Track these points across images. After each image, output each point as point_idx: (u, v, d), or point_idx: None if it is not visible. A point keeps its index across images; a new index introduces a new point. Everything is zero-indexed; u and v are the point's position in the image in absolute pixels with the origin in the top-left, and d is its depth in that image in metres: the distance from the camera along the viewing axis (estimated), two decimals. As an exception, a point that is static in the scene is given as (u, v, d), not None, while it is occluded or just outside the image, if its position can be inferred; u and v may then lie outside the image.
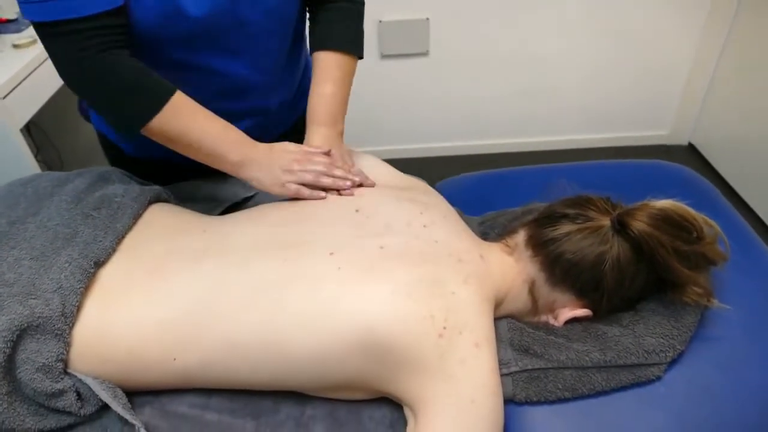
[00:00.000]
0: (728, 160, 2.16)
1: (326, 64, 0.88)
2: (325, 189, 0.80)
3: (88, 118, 1.32)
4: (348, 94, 0.90)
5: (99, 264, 0.68)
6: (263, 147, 0.81)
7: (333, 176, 0.80)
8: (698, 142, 2.35)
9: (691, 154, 2.35)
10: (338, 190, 0.80)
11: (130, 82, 0.73)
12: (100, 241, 0.70)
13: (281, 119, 1.01)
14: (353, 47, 0.90)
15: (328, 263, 0.66)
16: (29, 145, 1.94)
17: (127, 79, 0.73)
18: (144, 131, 0.75)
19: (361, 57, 0.91)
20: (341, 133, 0.89)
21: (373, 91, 2.21)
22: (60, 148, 2.40)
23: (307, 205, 0.78)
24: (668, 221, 0.66)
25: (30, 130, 2.03)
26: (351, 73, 0.91)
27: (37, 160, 1.95)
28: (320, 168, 0.80)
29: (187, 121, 0.77)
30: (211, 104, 0.79)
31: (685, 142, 2.40)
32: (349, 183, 0.80)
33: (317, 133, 0.86)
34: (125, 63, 0.73)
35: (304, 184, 0.79)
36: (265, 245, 0.71)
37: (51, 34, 0.69)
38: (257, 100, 0.92)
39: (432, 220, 0.74)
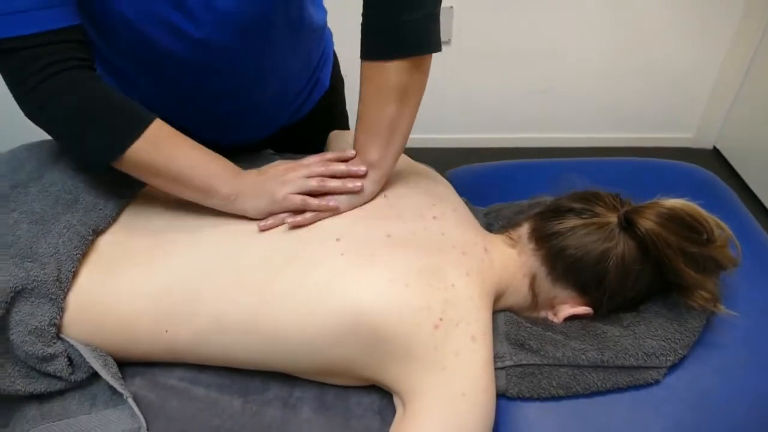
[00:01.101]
0: (754, 166, 2.10)
1: None
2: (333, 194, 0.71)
3: None
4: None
5: (98, 232, 0.68)
6: (252, 173, 0.72)
7: (337, 175, 0.71)
8: (723, 146, 2.29)
9: (715, 158, 2.29)
10: (346, 192, 0.71)
11: (101, 104, 0.63)
12: (101, 209, 0.70)
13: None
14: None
15: (332, 248, 0.65)
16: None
17: (96, 101, 0.62)
18: (117, 164, 0.64)
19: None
20: (374, 165, 0.73)
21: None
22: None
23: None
24: (677, 221, 0.64)
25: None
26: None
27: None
28: (320, 169, 0.71)
29: (170, 153, 0.66)
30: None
31: (710, 146, 2.34)
32: (359, 184, 0.70)
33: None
34: (93, 84, 0.63)
35: (308, 194, 0.70)
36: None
37: (4, 51, 0.58)
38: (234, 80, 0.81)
39: (443, 212, 0.73)
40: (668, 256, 0.64)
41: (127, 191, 0.73)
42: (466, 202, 0.83)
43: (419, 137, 2.38)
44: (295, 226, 0.69)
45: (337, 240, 0.66)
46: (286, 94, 0.91)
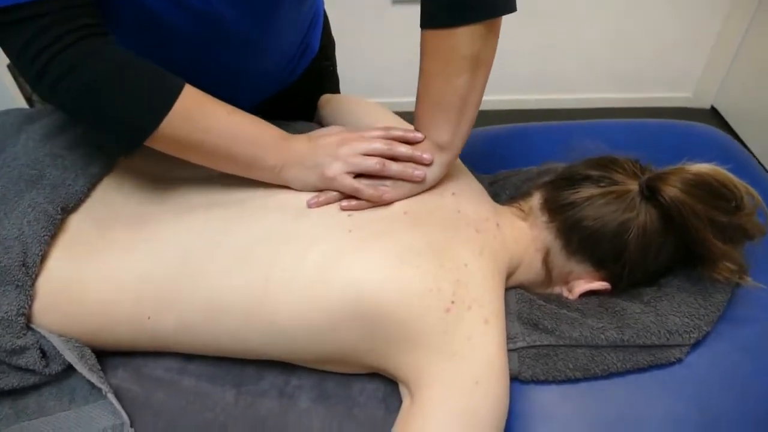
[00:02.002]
0: (751, 125, 2.07)
1: None
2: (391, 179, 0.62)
3: None
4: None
5: (68, 210, 0.62)
6: (301, 139, 0.63)
7: (399, 158, 0.62)
8: (721, 106, 2.25)
9: (713, 117, 2.25)
10: (407, 179, 0.62)
11: (124, 74, 0.54)
12: (69, 184, 0.63)
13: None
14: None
15: (341, 224, 0.59)
16: (23, 84, 1.86)
17: (118, 71, 0.54)
18: (150, 141, 0.56)
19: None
20: (443, 147, 0.64)
21: (383, 39, 2.09)
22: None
23: None
24: (705, 188, 0.58)
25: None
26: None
27: (32, 101, 1.87)
28: (381, 147, 0.62)
29: (208, 122, 0.58)
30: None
31: (707, 106, 2.29)
32: (421, 173, 0.62)
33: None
34: (112, 52, 0.54)
35: (362, 175, 0.62)
36: (263, 200, 0.64)
37: (7, 23, 0.50)
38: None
39: (461, 188, 0.67)
40: (695, 226, 0.58)
41: (99, 164, 0.66)
42: (470, 170, 0.77)
43: (408, 101, 2.30)
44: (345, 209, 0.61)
45: (349, 215, 0.61)
46: (280, 64, 0.84)
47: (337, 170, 0.61)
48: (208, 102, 0.59)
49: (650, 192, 0.61)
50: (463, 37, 0.57)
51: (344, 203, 0.62)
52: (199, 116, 0.58)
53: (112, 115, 0.55)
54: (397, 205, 0.63)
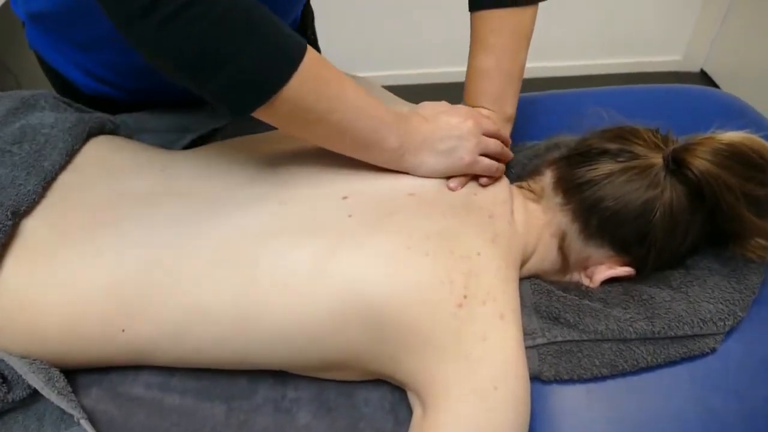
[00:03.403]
0: (741, 88, 2.03)
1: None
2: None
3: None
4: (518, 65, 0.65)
5: (19, 214, 0.53)
6: (414, 117, 0.57)
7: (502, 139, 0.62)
8: (711, 69, 2.20)
9: (702, 81, 2.20)
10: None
11: (254, 17, 0.44)
12: (20, 184, 0.54)
13: None
14: None
15: (337, 208, 0.53)
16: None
17: (248, 11, 0.44)
18: (268, 106, 0.47)
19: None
20: (510, 120, 0.67)
21: (369, 9, 1.99)
22: (17, 73, 2.18)
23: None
24: (739, 158, 0.53)
25: (-18, 55, 1.82)
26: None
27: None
28: (492, 128, 0.61)
29: (334, 91, 0.50)
30: None
31: (697, 69, 2.24)
32: (500, 173, 0.62)
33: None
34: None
35: (486, 155, 0.59)
36: (247, 186, 0.57)
37: None
38: None
39: None
40: (728, 202, 0.53)
41: (52, 158, 0.58)
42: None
43: (396, 74, 2.22)
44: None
45: (344, 198, 0.54)
46: None
47: (472, 153, 0.57)
48: (330, 68, 0.51)
49: (676, 165, 0.55)
50: (529, 16, 0.64)
51: (484, 180, 0.60)
52: (327, 83, 0.50)
53: (235, 64, 0.44)
54: (401, 186, 0.56)
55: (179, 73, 0.46)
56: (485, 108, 0.64)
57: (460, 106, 0.62)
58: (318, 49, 0.97)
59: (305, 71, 0.47)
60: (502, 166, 0.61)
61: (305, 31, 0.89)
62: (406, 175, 0.58)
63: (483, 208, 0.56)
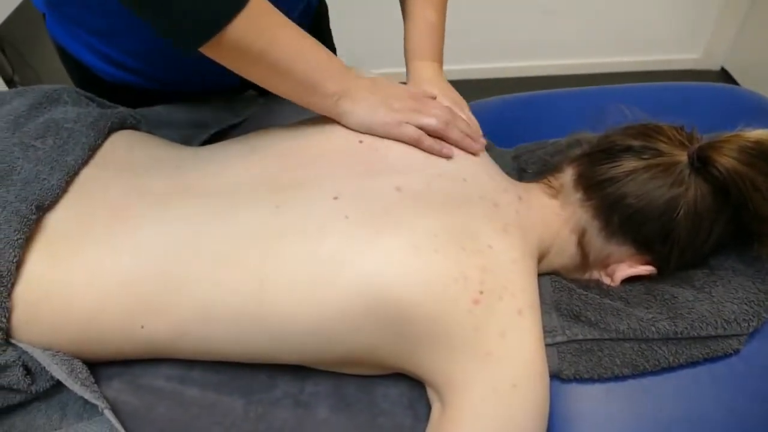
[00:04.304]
0: (763, 87, 1.99)
1: None
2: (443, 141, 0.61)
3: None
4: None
5: (43, 208, 0.54)
6: (365, 78, 0.62)
7: (459, 129, 0.61)
8: (732, 67, 2.16)
9: (723, 79, 2.17)
10: (464, 149, 0.61)
11: None
12: (44, 179, 0.55)
13: None
14: None
15: (332, 210, 0.52)
16: (3, 64, 1.76)
17: None
18: (212, 44, 0.51)
19: None
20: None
21: (381, 6, 1.99)
22: (37, 67, 2.20)
23: (310, 135, 0.61)
24: (766, 157, 0.52)
25: (3, 48, 1.85)
26: None
27: (14, 82, 1.77)
28: (444, 115, 0.61)
29: (273, 33, 0.54)
30: None
31: (717, 67, 2.21)
32: (477, 146, 0.62)
33: (425, 70, 0.68)
34: None
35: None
36: (255, 186, 0.57)
37: None
38: None
39: (458, 150, 0.60)
40: (755, 202, 0.52)
41: (75, 153, 0.58)
42: (488, 146, 0.70)
43: (387, 72, 2.21)
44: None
45: (335, 198, 0.53)
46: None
47: (401, 118, 0.58)
48: (277, 13, 0.55)
49: (701, 163, 0.54)
50: None
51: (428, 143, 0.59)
52: (267, 24, 0.54)
53: (181, 7, 0.49)
54: (384, 182, 0.55)
55: (137, 8, 0.51)
56: (431, 62, 0.68)
57: (408, 87, 0.66)
58: (333, 47, 0.96)
59: (250, 12, 0.51)
60: (427, 139, 0.59)
61: (321, 18, 0.90)
62: (388, 171, 0.57)
63: (485, 196, 0.55)
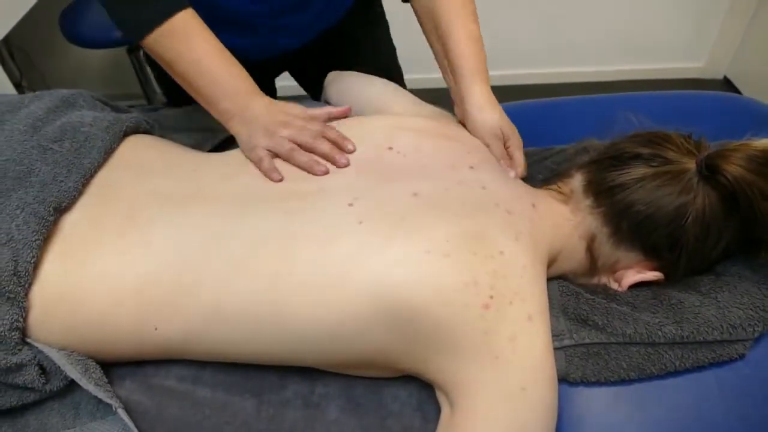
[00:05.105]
0: (766, 96, 2.00)
1: None
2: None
3: (72, 40, 1.10)
4: None
5: (60, 210, 0.55)
6: (264, 101, 0.64)
7: (315, 149, 0.61)
8: (735, 76, 2.17)
9: (725, 88, 2.17)
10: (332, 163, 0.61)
11: None
12: (62, 181, 0.56)
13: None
14: None
15: (347, 215, 0.53)
16: (12, 68, 1.78)
17: None
18: (142, 45, 0.63)
19: None
20: None
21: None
22: (45, 71, 2.22)
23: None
24: None
25: (12, 53, 1.87)
26: None
27: (22, 86, 1.79)
28: (304, 138, 0.62)
29: (181, 48, 0.62)
30: None
31: (720, 76, 2.22)
32: (322, 168, 0.60)
33: (484, 96, 0.66)
34: None
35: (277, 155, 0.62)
36: (271, 190, 0.58)
37: None
38: None
39: (481, 159, 0.60)
40: (762, 209, 0.53)
41: (91, 156, 0.59)
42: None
43: (413, 78, 2.22)
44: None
45: (350, 204, 0.54)
46: None
47: (260, 143, 0.61)
48: (196, 33, 0.62)
49: (710, 171, 0.55)
50: None
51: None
52: (179, 41, 0.62)
53: (118, 11, 0.62)
54: (401, 187, 0.56)
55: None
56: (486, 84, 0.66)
57: (306, 110, 0.66)
58: (387, 24, 0.99)
59: (168, 28, 0.60)
60: (300, 155, 0.60)
61: (372, 6, 0.93)
62: (407, 177, 0.58)
63: (499, 204, 0.56)
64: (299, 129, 0.62)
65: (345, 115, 0.68)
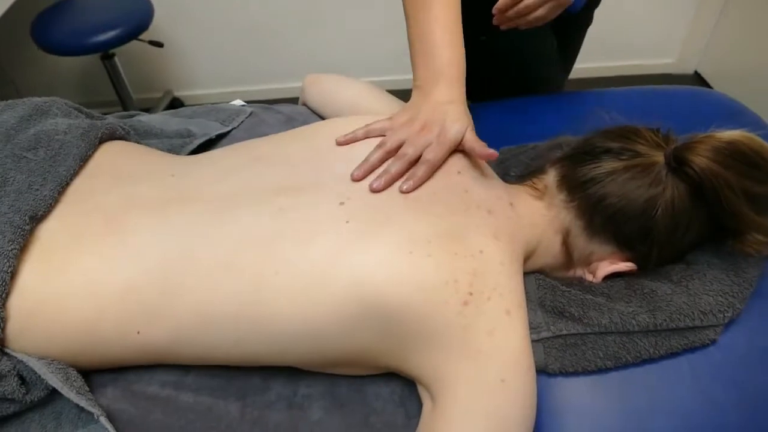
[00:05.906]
0: (735, 90, 2.04)
1: None
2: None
3: (45, 48, 1.07)
4: None
5: (37, 219, 0.55)
6: (441, 97, 0.62)
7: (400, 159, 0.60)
8: (705, 71, 2.23)
9: (696, 83, 2.23)
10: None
11: None
12: (37, 189, 0.56)
13: None
14: None
15: (335, 214, 0.54)
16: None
17: None
18: None
19: None
20: None
21: (372, 19, 2.01)
22: (17, 80, 2.19)
23: (316, 137, 0.64)
24: (738, 157, 0.54)
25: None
26: None
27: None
28: (406, 148, 0.60)
29: (421, 6, 0.64)
30: None
31: (691, 71, 2.27)
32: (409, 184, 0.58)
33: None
34: None
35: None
36: (252, 190, 0.58)
37: None
38: None
39: (466, 165, 0.62)
40: (728, 199, 0.54)
41: (66, 163, 0.59)
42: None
43: (390, 79, 2.24)
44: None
45: (341, 204, 0.55)
46: None
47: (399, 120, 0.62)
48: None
49: (677, 163, 0.56)
50: None
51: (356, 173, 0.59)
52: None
53: None
54: (394, 189, 0.57)
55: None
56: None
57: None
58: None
59: None
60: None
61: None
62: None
63: (481, 206, 0.57)
64: (417, 137, 0.60)
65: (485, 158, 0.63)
